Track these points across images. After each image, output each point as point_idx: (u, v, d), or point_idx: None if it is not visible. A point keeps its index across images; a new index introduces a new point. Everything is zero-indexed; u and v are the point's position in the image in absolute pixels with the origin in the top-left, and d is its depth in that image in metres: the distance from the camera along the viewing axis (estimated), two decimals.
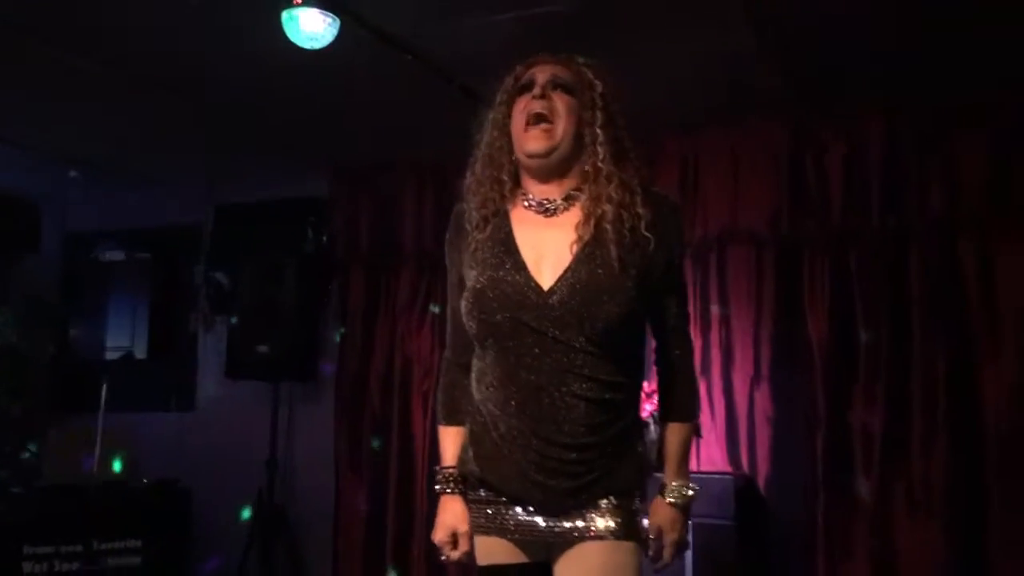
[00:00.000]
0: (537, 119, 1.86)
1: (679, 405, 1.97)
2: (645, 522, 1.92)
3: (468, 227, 1.93)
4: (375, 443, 4.86)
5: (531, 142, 1.86)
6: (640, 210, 1.85)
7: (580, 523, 1.82)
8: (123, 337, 5.50)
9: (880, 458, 3.96)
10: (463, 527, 1.95)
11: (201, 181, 5.38)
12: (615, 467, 1.84)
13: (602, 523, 1.82)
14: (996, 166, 3.91)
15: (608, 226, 1.82)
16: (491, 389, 1.85)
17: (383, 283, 5.00)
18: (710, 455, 4.18)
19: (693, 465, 3.39)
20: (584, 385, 1.79)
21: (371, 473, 4.84)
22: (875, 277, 4.08)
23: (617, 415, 1.84)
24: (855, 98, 4.09)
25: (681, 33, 3.47)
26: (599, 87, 1.90)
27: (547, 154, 1.86)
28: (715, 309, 4.34)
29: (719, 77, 3.86)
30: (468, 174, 1.99)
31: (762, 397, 4.22)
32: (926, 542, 3.86)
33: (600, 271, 1.80)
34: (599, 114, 1.88)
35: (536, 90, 1.88)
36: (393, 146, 4.80)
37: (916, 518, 3.90)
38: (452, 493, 1.98)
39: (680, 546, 1.94)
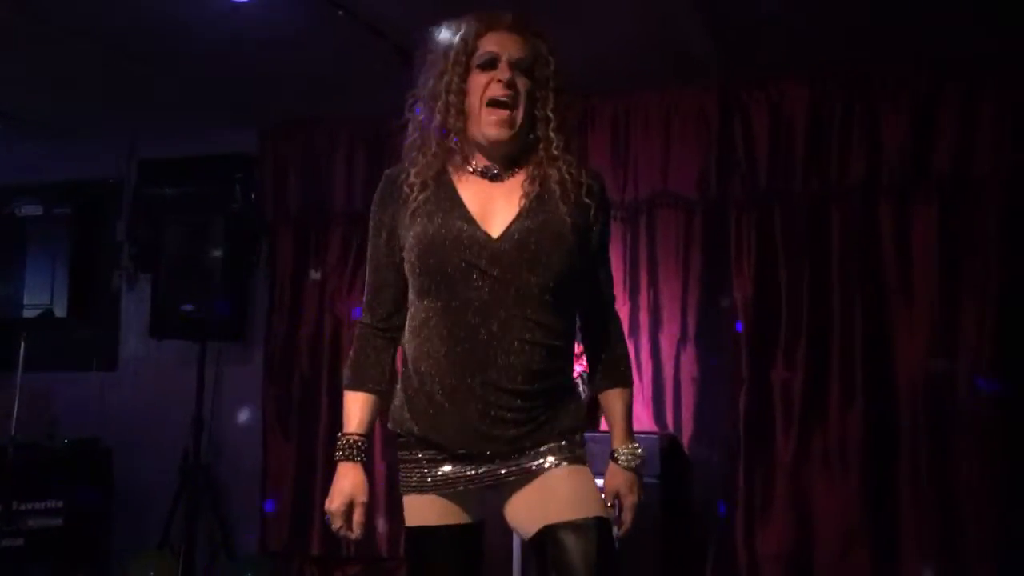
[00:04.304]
0: (501, 105, 1.84)
1: (620, 372, 2.01)
2: (600, 482, 1.93)
3: (407, 191, 1.89)
4: (304, 404, 4.82)
5: (493, 128, 1.85)
6: (582, 179, 1.89)
7: (527, 461, 1.84)
8: (42, 294, 5.32)
9: (799, 417, 4.08)
10: (362, 497, 1.90)
11: (123, 135, 5.22)
12: (557, 414, 1.87)
13: (552, 457, 1.84)
14: (915, 133, 4.01)
15: (555, 185, 1.86)
16: (433, 342, 1.83)
17: (312, 243, 4.94)
18: (636, 415, 4.20)
19: None
20: (534, 333, 1.80)
21: (300, 435, 4.81)
22: (798, 240, 4.17)
23: (561, 364, 1.89)
24: (781, 65, 4.15)
25: None
26: (552, 64, 1.90)
27: (507, 140, 1.87)
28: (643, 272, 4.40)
29: (652, 39, 3.88)
30: (410, 132, 1.95)
31: (687, 358, 4.31)
32: (841, 499, 3.99)
33: (549, 218, 1.84)
34: (551, 96, 1.89)
35: (503, 75, 1.84)
36: (323, 103, 4.71)
37: (832, 476, 4.03)
38: (354, 461, 1.91)
39: (637, 508, 1.96)
